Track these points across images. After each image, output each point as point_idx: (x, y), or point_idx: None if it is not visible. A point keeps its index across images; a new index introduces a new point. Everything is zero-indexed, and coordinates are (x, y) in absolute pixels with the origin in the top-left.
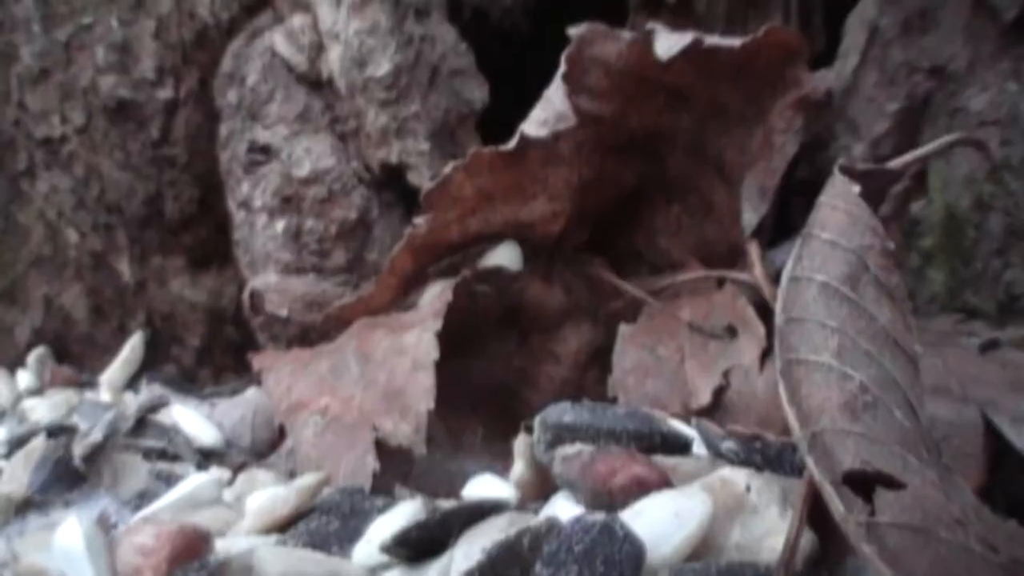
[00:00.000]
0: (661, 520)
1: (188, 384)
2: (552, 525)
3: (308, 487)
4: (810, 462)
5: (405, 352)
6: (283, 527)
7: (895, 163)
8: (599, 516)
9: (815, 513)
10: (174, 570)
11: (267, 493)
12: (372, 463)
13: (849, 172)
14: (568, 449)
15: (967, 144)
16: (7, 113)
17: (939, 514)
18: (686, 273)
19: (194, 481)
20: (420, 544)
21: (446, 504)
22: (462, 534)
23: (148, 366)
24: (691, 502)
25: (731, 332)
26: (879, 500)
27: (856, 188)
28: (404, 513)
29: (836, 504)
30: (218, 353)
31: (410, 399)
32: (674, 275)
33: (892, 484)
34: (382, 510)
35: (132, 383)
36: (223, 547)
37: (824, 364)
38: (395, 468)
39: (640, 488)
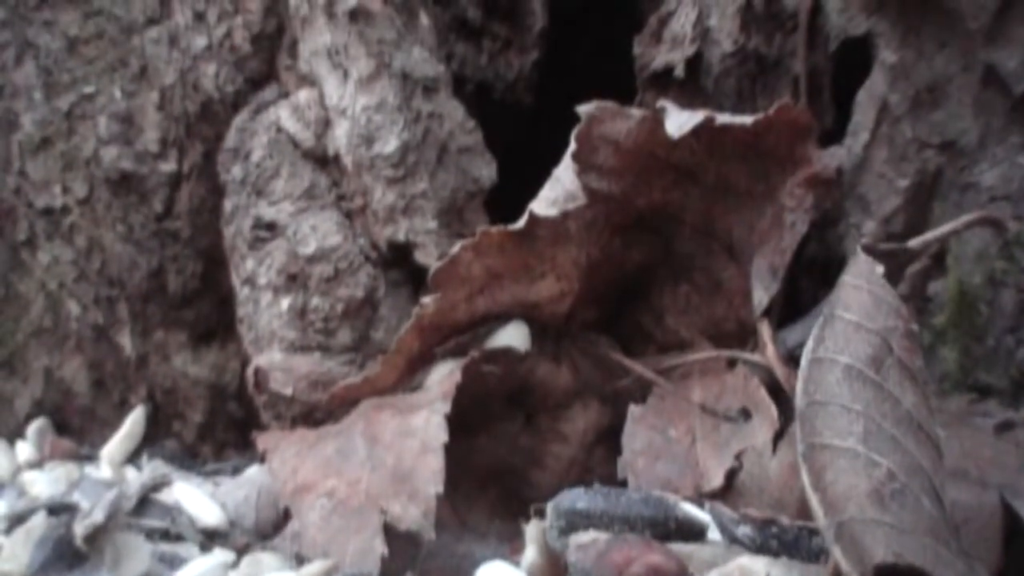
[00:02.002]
0: None
1: (190, 460)
2: None
3: (317, 573)
4: (837, 553)
5: (413, 434)
6: None
7: (914, 242)
8: None
9: None
10: None
11: None
12: (380, 547)
13: (872, 251)
14: (583, 537)
15: (985, 223)
16: (8, 182)
17: None
18: (696, 353)
19: (200, 565)
20: None
21: None
22: None
23: (149, 441)
24: None
25: (745, 415)
26: None
27: (880, 268)
28: None
29: None
30: (220, 429)
31: (419, 482)
32: (684, 355)
33: None
34: None
35: (133, 458)
36: None
37: (850, 450)
38: (403, 553)
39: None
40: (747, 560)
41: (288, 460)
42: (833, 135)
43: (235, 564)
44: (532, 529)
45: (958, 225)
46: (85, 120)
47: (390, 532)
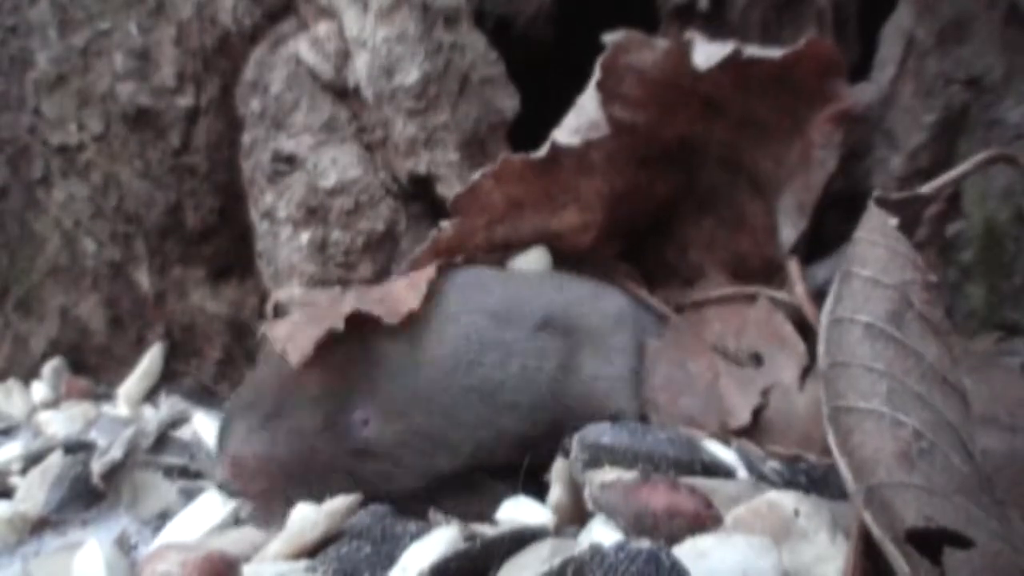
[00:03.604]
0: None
1: (208, 397)
2: (596, 553)
3: (338, 511)
4: (868, 518)
5: None
6: (312, 552)
7: (928, 187)
8: (644, 544)
9: (867, 543)
10: None
11: (295, 515)
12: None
13: (884, 203)
14: (606, 475)
15: (1000, 161)
16: (22, 120)
17: (1011, 572)
18: (720, 288)
19: (214, 499)
20: (460, 574)
21: (483, 530)
22: (504, 564)
23: (167, 379)
24: (761, 561)
25: (756, 359)
26: (948, 561)
27: (893, 220)
28: (441, 540)
29: (901, 565)
30: (238, 365)
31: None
32: (707, 289)
33: (959, 541)
34: (416, 536)
35: (150, 396)
36: (250, 573)
37: (874, 411)
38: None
39: (681, 515)
40: (775, 495)
41: None
42: (858, 68)
43: None
44: (557, 467)
45: (971, 165)
46: (101, 56)
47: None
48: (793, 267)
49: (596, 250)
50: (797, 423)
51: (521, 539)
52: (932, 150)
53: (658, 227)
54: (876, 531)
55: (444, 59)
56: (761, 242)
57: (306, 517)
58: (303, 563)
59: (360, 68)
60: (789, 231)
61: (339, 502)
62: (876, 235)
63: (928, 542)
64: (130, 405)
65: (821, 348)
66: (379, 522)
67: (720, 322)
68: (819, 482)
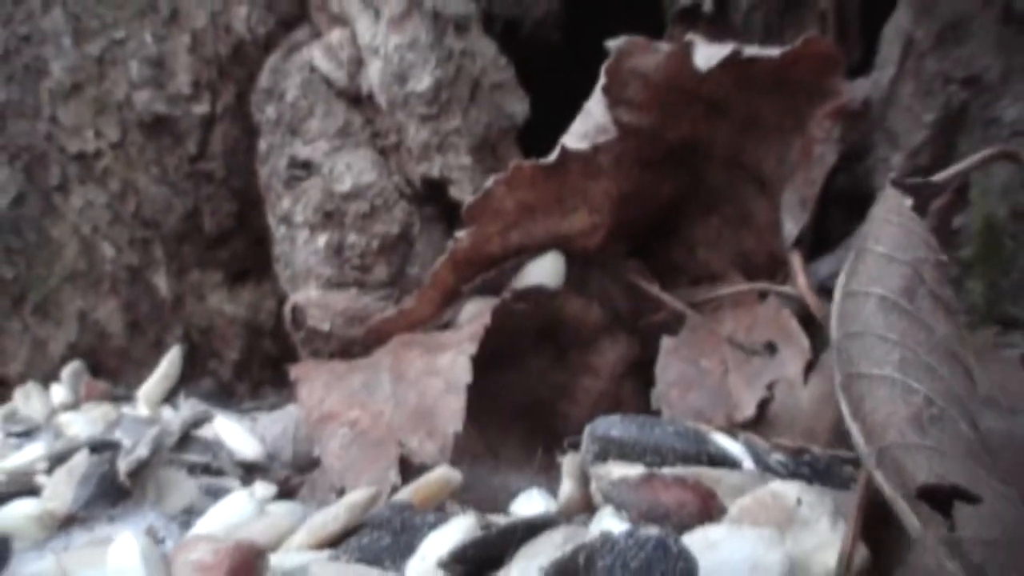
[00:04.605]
0: (734, 567)
1: (226, 398)
2: (606, 540)
3: (358, 503)
4: (879, 477)
5: (438, 373)
6: (334, 543)
7: (939, 177)
8: (653, 531)
9: (867, 527)
10: None
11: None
12: (394, 478)
13: (900, 186)
14: (613, 473)
15: (1004, 157)
16: (38, 128)
17: (1018, 527)
18: (728, 286)
19: (241, 496)
20: (477, 561)
21: (499, 520)
22: (518, 550)
23: (185, 380)
24: (769, 555)
25: (771, 349)
26: (959, 515)
27: (908, 201)
28: (458, 529)
29: (911, 520)
30: (256, 367)
31: (439, 420)
32: (715, 287)
33: (968, 498)
34: (434, 525)
35: (170, 398)
36: (276, 562)
37: (887, 378)
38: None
39: (687, 507)
40: (779, 485)
41: (316, 390)
42: (860, 68)
43: (277, 496)
44: (568, 462)
45: (978, 159)
46: (116, 65)
47: (406, 465)
48: (795, 260)
49: (605, 251)
50: (801, 416)
51: (534, 527)
52: (932, 148)
53: (665, 227)
54: (887, 490)
55: (455, 65)
56: (766, 238)
57: (328, 510)
58: (326, 553)
59: (373, 75)
60: (791, 225)
61: (359, 495)
62: (892, 214)
63: (939, 499)
64: (150, 407)
65: (834, 320)
66: (398, 514)
67: (732, 320)
68: (822, 473)
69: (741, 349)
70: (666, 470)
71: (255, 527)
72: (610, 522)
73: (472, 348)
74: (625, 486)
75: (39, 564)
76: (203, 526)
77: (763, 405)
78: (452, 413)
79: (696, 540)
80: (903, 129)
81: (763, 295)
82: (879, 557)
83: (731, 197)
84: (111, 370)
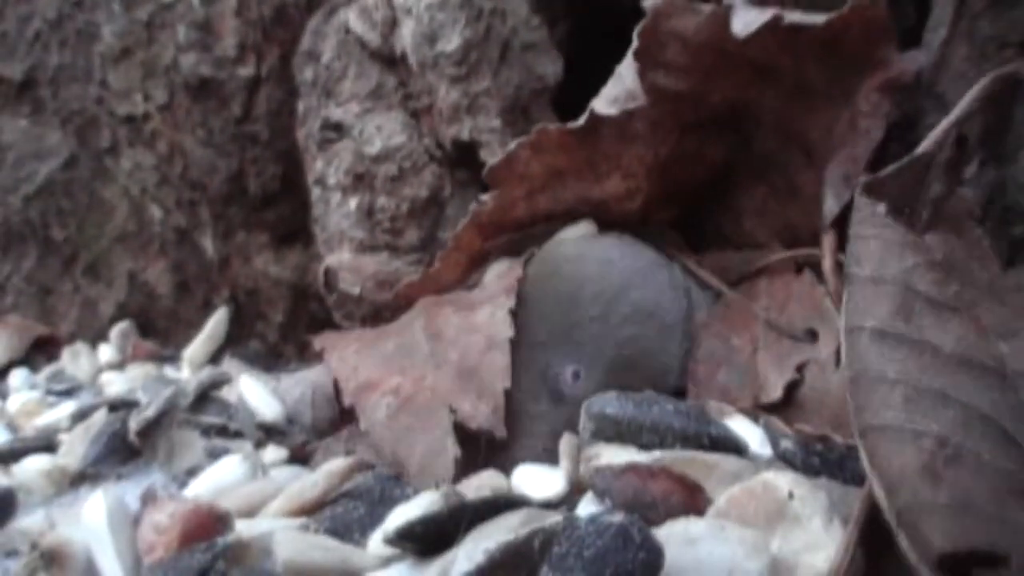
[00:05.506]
0: (711, 568)
1: (273, 360)
2: (567, 525)
3: (337, 472)
4: (903, 542)
5: (477, 330)
6: (311, 511)
7: (925, 144)
8: (617, 517)
9: (865, 530)
10: (183, 549)
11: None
12: (453, 448)
13: (872, 187)
14: (602, 454)
15: (997, 83)
16: (90, 91)
17: None
18: (766, 254)
19: (234, 459)
20: (426, 538)
21: (465, 496)
22: (470, 531)
23: (232, 342)
24: (749, 562)
25: (811, 335)
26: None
27: (880, 207)
28: (420, 504)
29: None
30: (302, 329)
31: (486, 378)
32: (754, 256)
33: (991, 560)
34: (407, 498)
35: (215, 359)
36: (246, 528)
37: (890, 426)
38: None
39: (670, 498)
40: (771, 476)
41: (348, 358)
42: (913, 32)
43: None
44: (565, 442)
45: (966, 105)
46: (164, 28)
47: (459, 431)
48: (827, 241)
49: (647, 217)
50: (830, 402)
51: (495, 507)
52: (985, 115)
53: (715, 193)
54: (912, 558)
55: (484, 25)
56: (812, 212)
57: (307, 477)
58: (297, 521)
59: (406, 35)
60: (833, 202)
61: (338, 463)
62: (865, 227)
63: (958, 569)
64: (193, 368)
65: (844, 360)
66: (380, 484)
67: (767, 295)
68: (833, 465)
69: (777, 330)
70: (656, 453)
71: (242, 491)
72: (591, 507)
73: (510, 302)
74: (609, 473)
75: (34, 516)
76: (195, 487)
77: (792, 388)
78: (499, 370)
79: (676, 533)
80: (954, 95)
81: (800, 269)
82: (879, 563)
83: (779, 166)
84: (160, 331)
